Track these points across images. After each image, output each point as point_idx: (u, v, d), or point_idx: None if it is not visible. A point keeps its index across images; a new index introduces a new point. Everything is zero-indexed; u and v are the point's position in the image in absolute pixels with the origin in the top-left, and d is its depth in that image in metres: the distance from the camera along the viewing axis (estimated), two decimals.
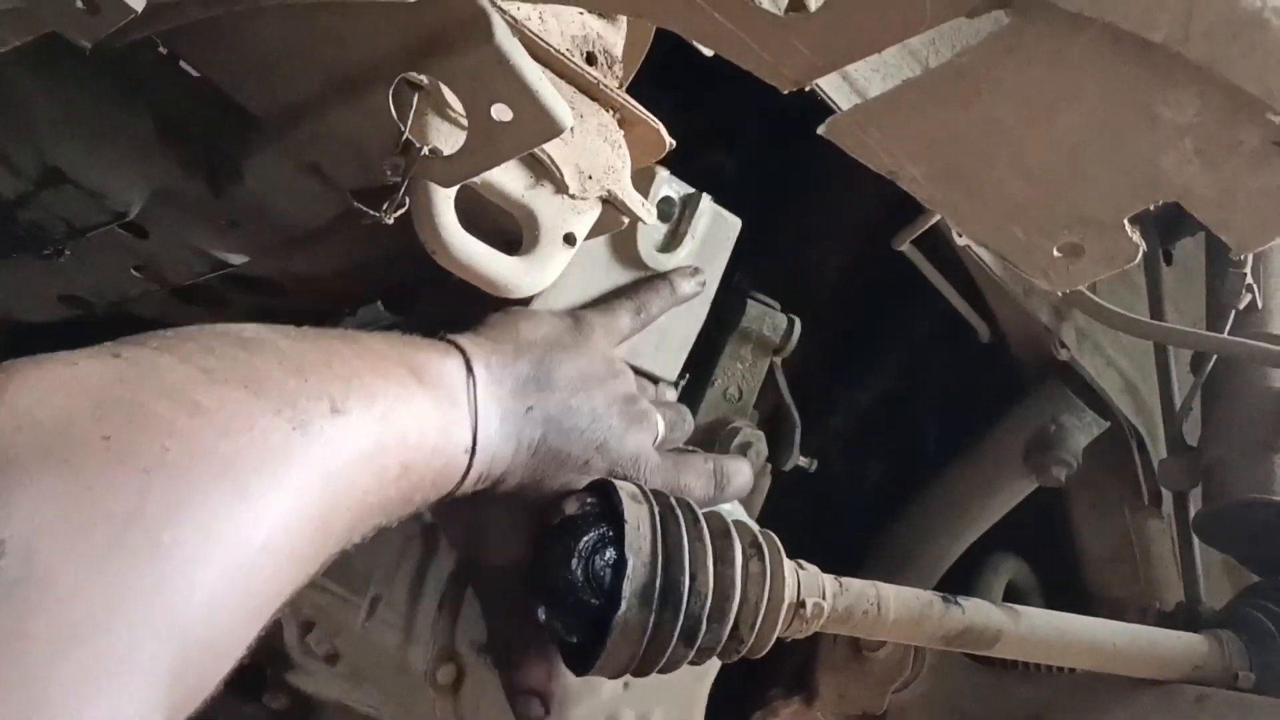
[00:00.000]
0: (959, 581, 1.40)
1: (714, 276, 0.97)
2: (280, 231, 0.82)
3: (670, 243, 0.93)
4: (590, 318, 0.87)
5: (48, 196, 0.76)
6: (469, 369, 0.75)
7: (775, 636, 0.81)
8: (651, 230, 0.91)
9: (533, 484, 0.79)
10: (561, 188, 0.76)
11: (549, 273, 0.76)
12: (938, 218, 1.08)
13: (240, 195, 0.78)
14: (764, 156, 1.46)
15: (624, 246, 0.90)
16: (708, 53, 0.90)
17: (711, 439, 1.07)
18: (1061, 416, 1.32)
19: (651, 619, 0.75)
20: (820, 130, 0.56)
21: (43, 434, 0.47)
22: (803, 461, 1.15)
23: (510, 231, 0.78)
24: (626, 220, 0.82)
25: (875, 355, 1.52)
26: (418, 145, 0.68)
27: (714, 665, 1.02)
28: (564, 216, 0.77)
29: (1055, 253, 0.60)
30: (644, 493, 0.79)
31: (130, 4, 0.57)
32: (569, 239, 0.77)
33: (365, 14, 0.64)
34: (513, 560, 0.82)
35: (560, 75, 0.75)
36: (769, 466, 1.10)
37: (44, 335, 1.09)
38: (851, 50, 0.50)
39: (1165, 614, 1.23)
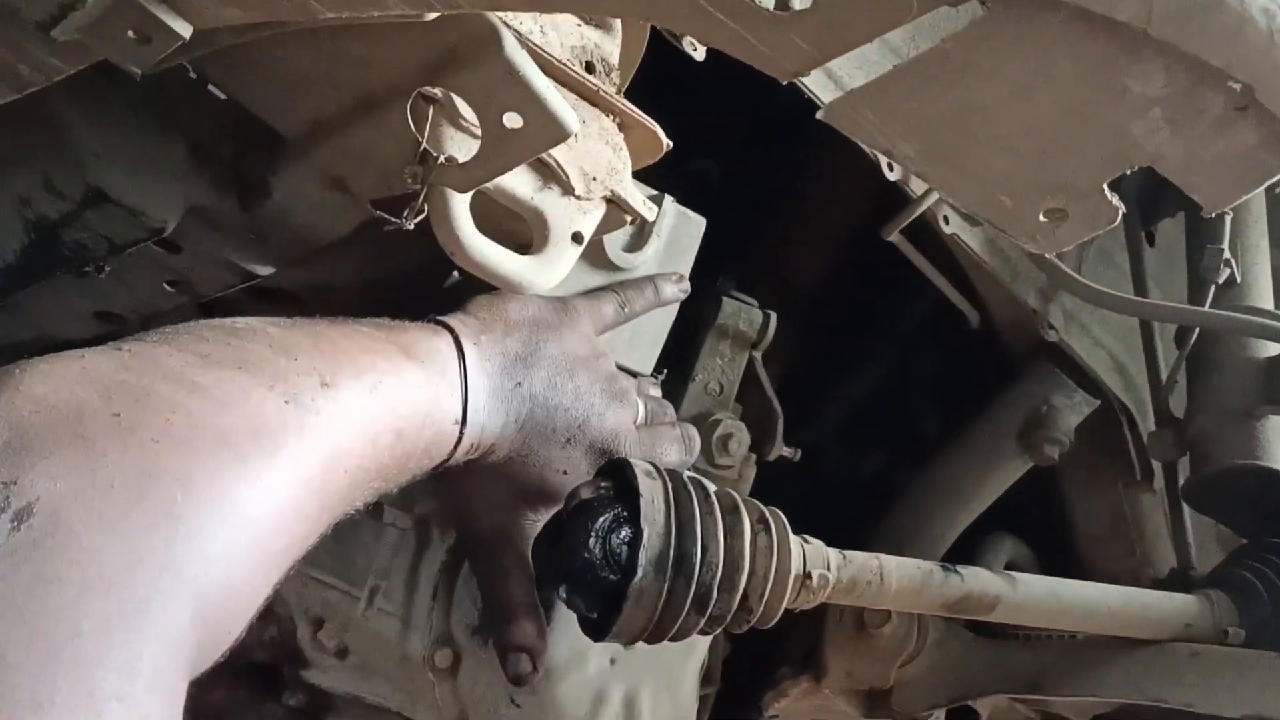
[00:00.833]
0: (958, 563, 1.44)
1: (684, 272, 1.03)
2: (305, 243, 0.87)
3: (636, 242, 0.99)
4: (576, 303, 0.93)
5: (91, 215, 0.81)
6: (458, 346, 0.81)
7: (783, 607, 0.86)
8: (617, 232, 0.96)
9: (519, 457, 0.86)
10: (568, 189, 0.81)
11: (559, 270, 0.81)
12: (924, 207, 1.14)
13: (268, 209, 0.83)
14: (749, 160, 1.51)
15: (592, 248, 0.94)
16: (699, 57, 0.96)
17: None
18: (1052, 397, 1.37)
19: (665, 587, 0.80)
20: (819, 115, 0.61)
21: (58, 416, 0.51)
22: (787, 451, 1.20)
23: (520, 236, 0.84)
24: (630, 219, 0.88)
25: (867, 347, 1.57)
26: (435, 154, 0.73)
27: (703, 645, 1.07)
28: (571, 217, 0.82)
29: (1041, 218, 0.65)
30: (658, 470, 0.85)
31: (179, 32, 0.62)
32: (577, 238, 0.82)
33: (385, 36, 0.70)
34: (498, 526, 0.89)
35: (563, 84, 0.80)
36: (753, 457, 1.15)
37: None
38: (845, 41, 0.55)
39: (1159, 581, 1.28)
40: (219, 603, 0.54)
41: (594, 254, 0.97)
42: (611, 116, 0.84)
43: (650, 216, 0.89)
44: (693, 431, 0.99)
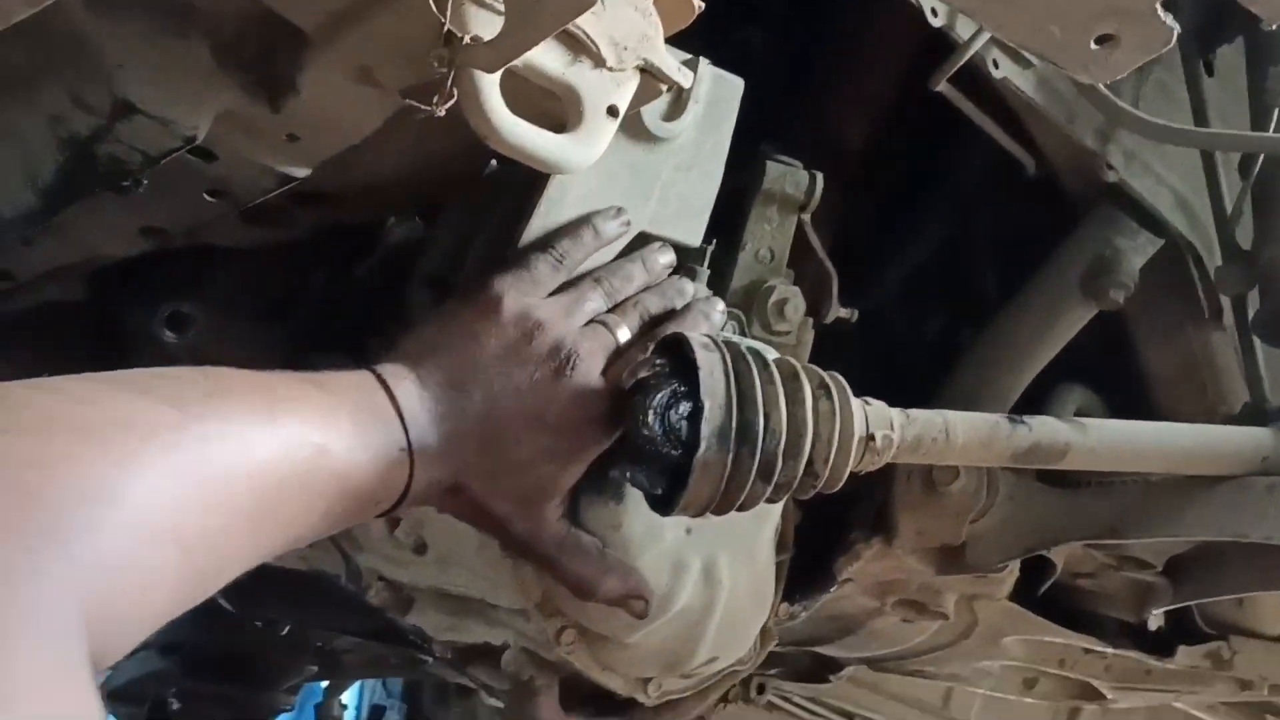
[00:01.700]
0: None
1: (724, 138, 1.01)
2: (338, 139, 0.86)
3: (674, 110, 0.96)
4: (497, 286, 0.87)
5: (121, 128, 0.80)
6: (385, 386, 0.80)
7: (849, 470, 0.86)
8: (655, 101, 0.93)
9: (502, 473, 0.85)
10: (599, 61, 0.79)
11: (597, 146, 0.79)
12: (972, 51, 1.09)
13: (298, 109, 0.82)
14: (792, 27, 1.47)
15: (630, 120, 0.92)
16: None
17: (749, 300, 1.11)
18: (1116, 239, 1.33)
19: (730, 458, 0.80)
20: None
21: None
22: (843, 312, 1.18)
23: (557, 116, 0.82)
24: (665, 87, 0.85)
25: (922, 206, 1.53)
26: (459, 35, 0.71)
27: (775, 512, 1.08)
28: (605, 89, 0.80)
29: (1093, 45, 0.62)
30: (715, 342, 0.84)
31: None
32: (612, 111, 0.80)
33: None
34: (527, 534, 0.89)
35: None
36: (810, 321, 1.13)
37: (127, 270, 1.15)
38: None
39: (1232, 417, 1.25)
40: (100, 576, 0.53)
41: (633, 126, 0.94)
42: None
43: (686, 83, 0.86)
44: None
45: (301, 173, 0.90)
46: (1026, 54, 1.09)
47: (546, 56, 0.77)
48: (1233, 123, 1.33)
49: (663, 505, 0.84)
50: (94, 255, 1.06)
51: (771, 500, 0.85)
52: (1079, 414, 1.47)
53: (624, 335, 0.91)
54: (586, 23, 0.76)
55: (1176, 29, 0.58)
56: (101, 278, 1.20)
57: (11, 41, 0.72)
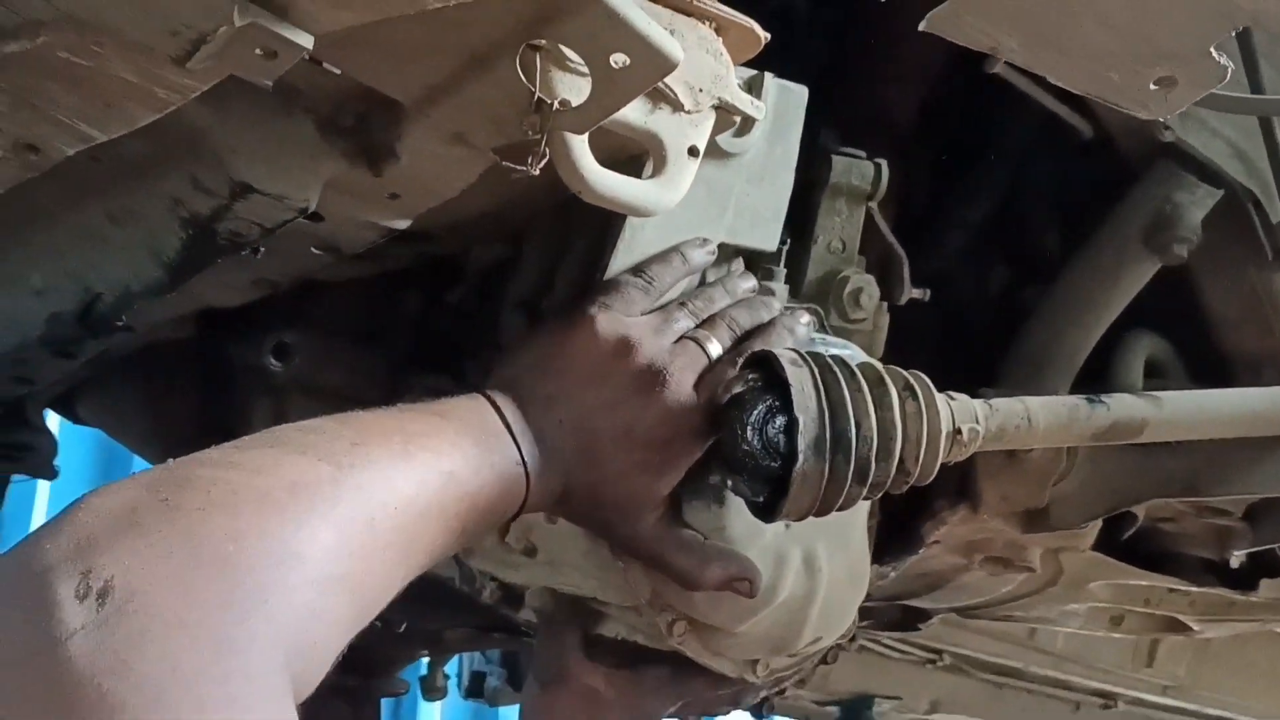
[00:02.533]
0: (1097, 368, 1.46)
1: (792, 145, 1.05)
2: (437, 195, 0.92)
3: (744, 127, 0.99)
4: (589, 309, 0.93)
5: (239, 206, 0.87)
6: (491, 402, 0.87)
7: (938, 464, 0.91)
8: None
9: (589, 485, 0.91)
10: (677, 107, 0.84)
11: (681, 187, 0.85)
12: None
13: (398, 172, 0.88)
14: None
15: None
16: None
17: (824, 291, 1.16)
18: (1175, 195, 1.35)
19: (826, 467, 0.86)
20: (921, 27, 0.62)
21: (115, 515, 0.60)
22: (916, 293, 1.22)
23: (633, 145, 0.86)
24: (738, 120, 0.90)
25: (979, 172, 1.55)
26: (549, 101, 0.76)
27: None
28: (684, 132, 0.85)
29: (1151, 86, 0.66)
30: (802, 356, 0.89)
31: (301, 45, 0.66)
32: (693, 151, 0.85)
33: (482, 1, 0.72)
34: (630, 534, 0.95)
35: (656, 1, 0.82)
36: (884, 305, 1.18)
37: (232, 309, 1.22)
38: None
39: None
40: (297, 628, 0.61)
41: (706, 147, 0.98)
42: (708, 23, 0.86)
43: (759, 115, 0.90)
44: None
45: (403, 224, 0.96)
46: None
47: (628, 109, 0.82)
48: None
49: (766, 513, 0.89)
50: (207, 305, 1.13)
51: (868, 499, 0.91)
52: (1149, 360, 1.51)
53: (715, 350, 0.95)
54: None
55: (1230, 67, 0.62)
56: (208, 316, 1.27)
57: (134, 135, 0.79)
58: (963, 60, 1.25)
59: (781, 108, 1.03)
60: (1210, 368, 1.44)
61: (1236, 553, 1.43)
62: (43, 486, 3.59)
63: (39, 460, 1.48)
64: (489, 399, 0.88)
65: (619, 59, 0.73)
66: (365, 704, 2.00)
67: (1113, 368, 1.48)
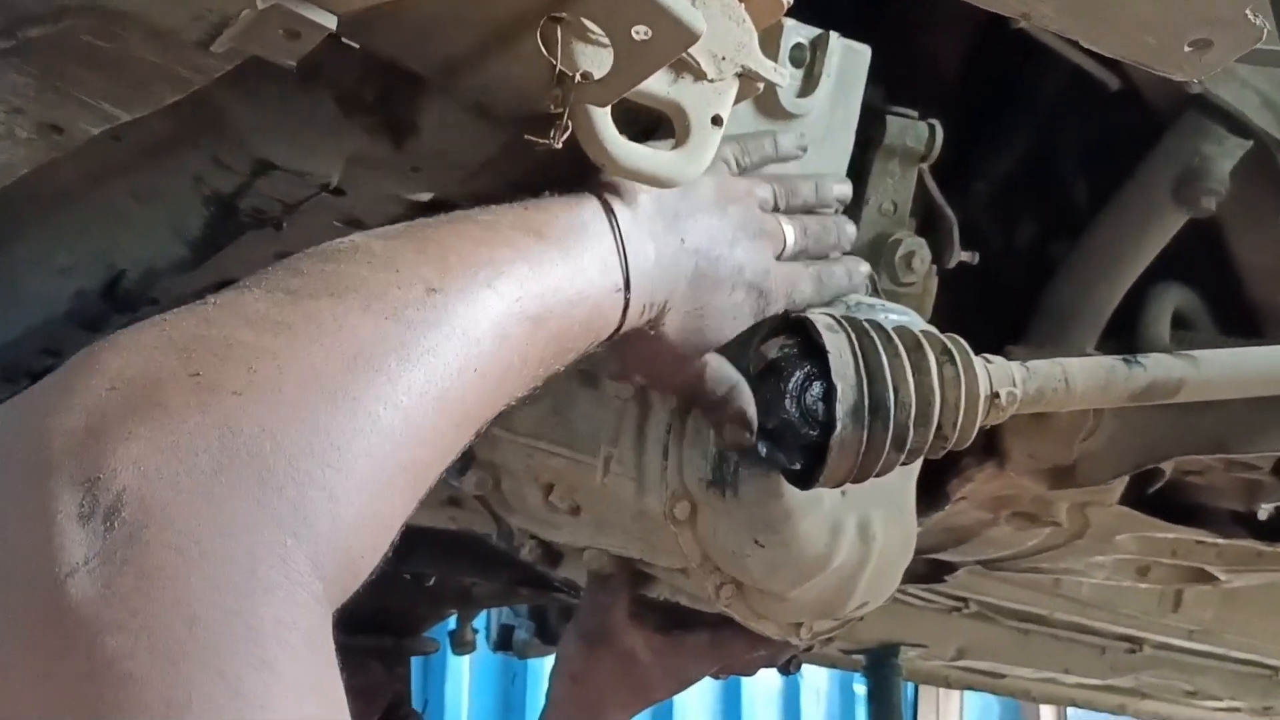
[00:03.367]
0: (1125, 320, 1.44)
1: (854, 106, 1.03)
2: (459, 168, 0.91)
3: (807, 86, 0.99)
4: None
5: (261, 183, 0.86)
6: (609, 211, 0.81)
7: (976, 428, 0.91)
8: (790, 81, 0.96)
9: (694, 311, 0.87)
10: (700, 75, 0.83)
11: (706, 158, 0.83)
12: None
13: (419, 145, 0.87)
14: None
15: (766, 100, 0.96)
16: None
17: (876, 253, 1.14)
18: (1203, 147, 1.33)
19: (865, 433, 0.86)
20: None
21: (135, 389, 0.49)
22: (965, 256, 1.21)
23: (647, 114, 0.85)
24: (761, 86, 0.88)
25: (1008, 121, 1.53)
26: (570, 74, 0.75)
27: (917, 465, 1.12)
28: (708, 101, 0.83)
29: (1186, 49, 0.65)
30: (838, 321, 0.88)
31: (324, 24, 0.65)
32: (716, 120, 0.84)
33: None
34: (692, 377, 0.91)
35: None
36: (934, 268, 1.16)
37: None
38: None
39: None
40: (344, 547, 0.52)
41: (769, 105, 0.98)
42: None
43: (782, 82, 0.89)
44: (824, 272, 0.97)
45: (426, 197, 0.95)
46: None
47: (652, 80, 0.80)
48: None
49: (802, 481, 0.89)
50: (231, 278, 1.13)
51: (905, 464, 0.90)
52: (1178, 311, 1.50)
53: (790, 239, 0.94)
54: None
55: (1267, 26, 0.61)
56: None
57: (156, 114, 0.78)
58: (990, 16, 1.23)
59: (845, 68, 1.01)
60: (1238, 319, 1.43)
61: (1265, 506, 1.42)
62: None
63: None
64: (606, 208, 0.81)
65: (641, 31, 0.72)
66: (398, 663, 2.03)
67: (1141, 320, 1.47)
